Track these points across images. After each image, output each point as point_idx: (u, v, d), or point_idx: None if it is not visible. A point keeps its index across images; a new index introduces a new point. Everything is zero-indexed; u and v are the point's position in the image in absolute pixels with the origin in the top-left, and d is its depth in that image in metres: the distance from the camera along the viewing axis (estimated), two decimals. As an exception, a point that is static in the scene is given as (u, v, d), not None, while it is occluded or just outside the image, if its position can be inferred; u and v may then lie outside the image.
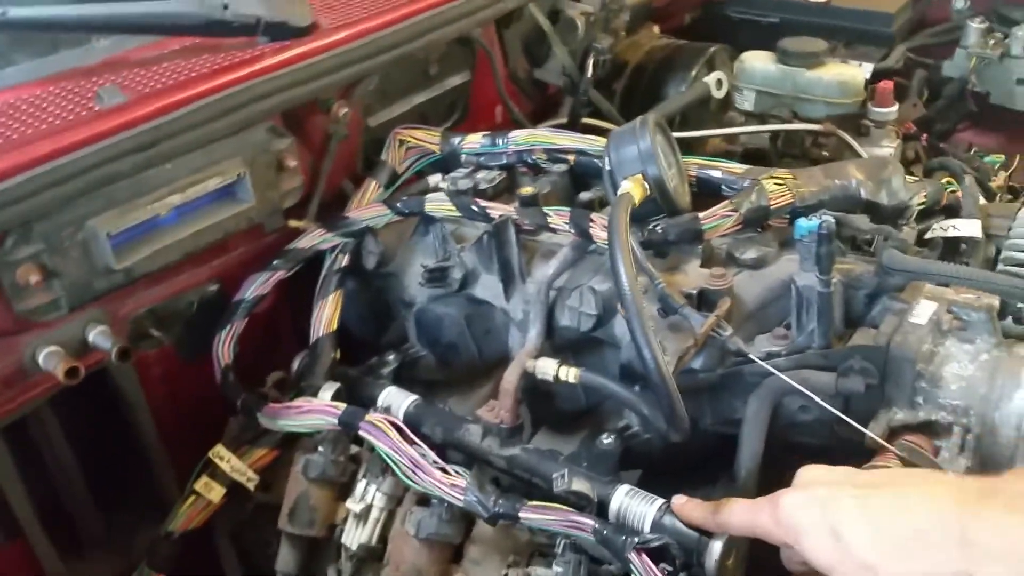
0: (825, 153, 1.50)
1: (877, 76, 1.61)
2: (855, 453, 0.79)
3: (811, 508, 0.66)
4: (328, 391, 1.02)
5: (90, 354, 0.99)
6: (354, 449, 0.99)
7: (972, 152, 1.72)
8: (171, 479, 1.13)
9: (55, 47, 1.11)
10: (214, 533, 1.09)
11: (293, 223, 1.17)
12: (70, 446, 1.08)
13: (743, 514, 0.73)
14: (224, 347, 1.08)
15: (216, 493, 1.02)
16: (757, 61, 1.57)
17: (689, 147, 1.31)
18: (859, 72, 1.55)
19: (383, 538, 0.95)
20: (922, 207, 1.07)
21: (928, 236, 1.08)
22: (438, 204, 1.10)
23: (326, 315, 1.09)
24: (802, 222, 0.88)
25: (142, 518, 1.13)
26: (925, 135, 1.64)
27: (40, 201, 0.88)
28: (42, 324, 0.94)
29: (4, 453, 0.97)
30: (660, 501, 0.81)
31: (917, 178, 1.12)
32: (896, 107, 1.50)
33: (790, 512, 0.67)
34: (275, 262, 1.12)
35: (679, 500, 0.79)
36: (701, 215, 0.98)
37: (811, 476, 0.71)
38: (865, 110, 1.51)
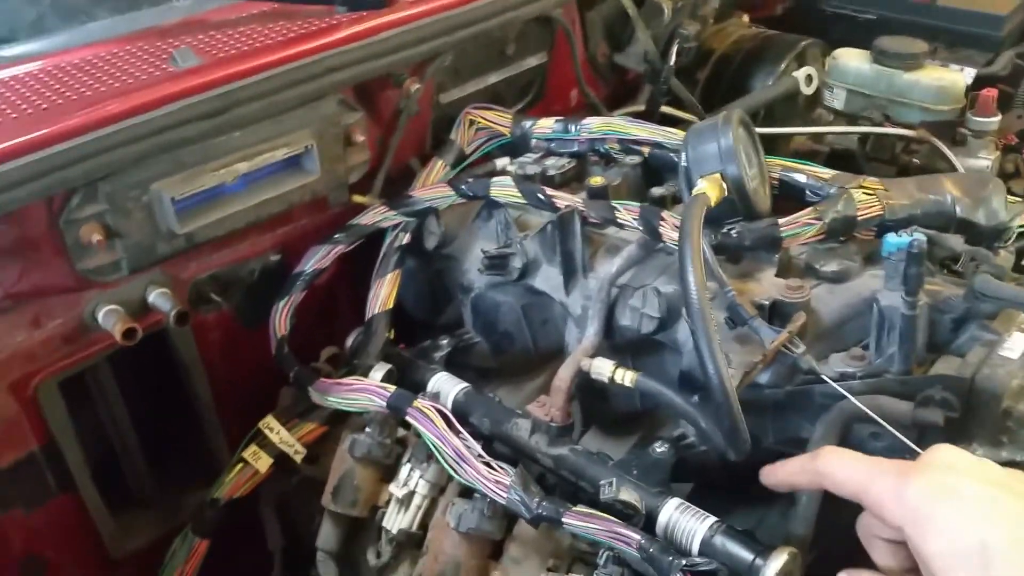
0: (916, 160, 1.42)
1: (980, 82, 1.51)
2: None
3: (957, 508, 0.55)
4: (379, 371, 1.00)
5: (149, 315, 1.00)
6: (402, 432, 0.98)
7: (1078, 170, 1.61)
8: (222, 444, 1.14)
9: (136, 4, 1.11)
10: (259, 503, 1.09)
11: (357, 198, 1.15)
12: (126, 405, 1.10)
13: (855, 470, 0.62)
14: (281, 318, 1.08)
15: (263, 463, 1.02)
16: (851, 59, 1.49)
17: (772, 143, 1.24)
18: (960, 77, 1.45)
19: (424, 525, 0.93)
20: (1022, 230, 0.99)
21: (1027, 262, 1.01)
22: (503, 189, 1.07)
23: (383, 294, 1.08)
24: (891, 238, 0.82)
25: (191, 481, 1.14)
26: (1027, 148, 1.53)
27: (107, 160, 0.88)
28: (103, 284, 0.95)
29: (61, 406, 0.99)
30: (712, 519, 0.77)
31: (1020, 199, 1.04)
32: (998, 117, 1.40)
33: (923, 499, 0.56)
34: (336, 236, 1.11)
35: (765, 469, 0.70)
36: (781, 221, 0.92)
37: (952, 461, 0.58)
38: (963, 118, 1.42)
